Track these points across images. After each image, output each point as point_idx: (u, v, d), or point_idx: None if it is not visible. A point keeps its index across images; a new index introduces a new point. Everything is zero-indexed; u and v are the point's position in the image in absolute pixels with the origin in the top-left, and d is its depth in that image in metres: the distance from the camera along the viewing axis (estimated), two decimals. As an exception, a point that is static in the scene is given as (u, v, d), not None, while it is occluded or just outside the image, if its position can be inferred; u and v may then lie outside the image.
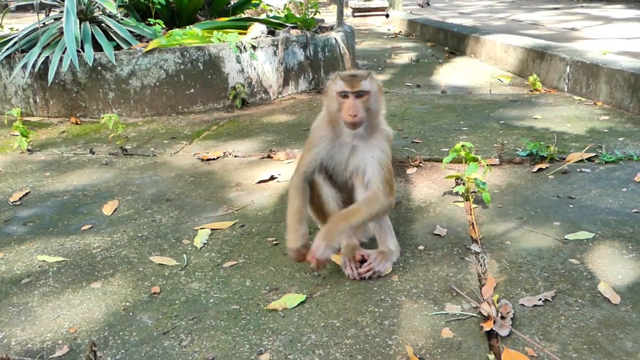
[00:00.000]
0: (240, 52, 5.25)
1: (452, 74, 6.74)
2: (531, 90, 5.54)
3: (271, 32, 5.99)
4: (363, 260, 2.31)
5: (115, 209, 3.12)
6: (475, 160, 2.91)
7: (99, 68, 5.01)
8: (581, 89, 5.13)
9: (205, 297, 2.19)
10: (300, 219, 2.31)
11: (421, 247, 2.50)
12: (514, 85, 5.94)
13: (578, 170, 3.34)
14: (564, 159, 3.50)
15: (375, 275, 2.27)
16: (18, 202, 3.26)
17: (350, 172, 2.39)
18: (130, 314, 2.11)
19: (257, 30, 5.75)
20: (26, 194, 3.39)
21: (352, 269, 2.28)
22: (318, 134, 2.38)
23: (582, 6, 14.45)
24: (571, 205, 2.88)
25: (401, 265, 2.35)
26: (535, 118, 4.51)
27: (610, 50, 5.55)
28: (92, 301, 2.20)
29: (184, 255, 2.55)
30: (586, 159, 3.48)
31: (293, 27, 6.18)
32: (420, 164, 3.56)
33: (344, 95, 2.23)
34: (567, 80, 5.35)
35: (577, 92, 5.20)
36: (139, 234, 2.79)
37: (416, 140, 4.02)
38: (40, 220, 3.01)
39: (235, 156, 3.94)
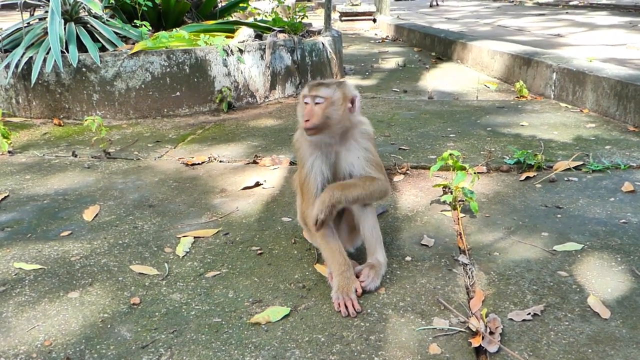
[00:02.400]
0: (227, 55, 5.20)
1: (439, 79, 6.73)
2: (518, 97, 5.54)
3: (258, 36, 5.95)
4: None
5: (96, 215, 3.04)
6: (463, 169, 2.88)
7: (84, 69, 4.93)
8: (567, 96, 5.13)
9: (187, 309, 2.13)
10: (344, 255, 2.24)
11: (408, 258, 2.46)
12: (500, 91, 5.94)
13: (565, 179, 3.32)
14: (551, 167, 3.48)
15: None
16: (-4, 207, 3.18)
17: (339, 177, 2.35)
18: (109, 326, 2.04)
19: (244, 33, 5.70)
20: (5, 197, 3.31)
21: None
22: (305, 145, 2.32)
23: (567, 12, 14.55)
24: (559, 215, 2.85)
25: (388, 277, 2.30)
26: (522, 125, 4.49)
27: (596, 57, 5.56)
28: (69, 312, 2.13)
29: (166, 264, 2.48)
30: (573, 168, 3.46)
31: (280, 31, 6.13)
32: (407, 172, 3.52)
33: (305, 101, 2.23)
34: (553, 87, 5.35)
35: (563, 99, 5.20)
36: (120, 241, 2.72)
37: (403, 147, 3.99)
38: (18, 226, 2.93)
39: (221, 161, 3.88)
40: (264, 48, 5.50)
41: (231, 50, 5.22)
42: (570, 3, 17.49)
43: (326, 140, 2.27)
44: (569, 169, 3.45)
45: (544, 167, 3.49)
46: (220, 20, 6.49)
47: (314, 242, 2.47)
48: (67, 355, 1.86)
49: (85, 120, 4.02)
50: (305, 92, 2.24)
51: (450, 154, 2.93)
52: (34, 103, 5.10)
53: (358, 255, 2.45)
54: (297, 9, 7.09)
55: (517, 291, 2.18)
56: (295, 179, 2.61)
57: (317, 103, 2.20)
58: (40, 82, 4.98)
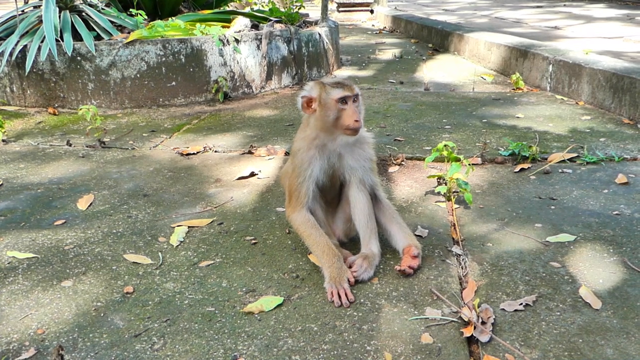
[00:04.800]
0: (224, 45, 5.18)
1: (435, 71, 6.72)
2: (514, 89, 5.54)
3: (255, 26, 5.92)
4: (348, 267, 2.26)
5: (91, 204, 3.04)
6: (457, 160, 2.88)
7: (79, 58, 4.91)
8: (563, 88, 5.13)
9: (180, 298, 2.13)
10: (333, 247, 2.25)
11: (402, 248, 2.46)
12: (496, 83, 5.93)
13: (560, 170, 3.33)
14: (546, 159, 3.49)
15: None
16: (-10, 196, 3.17)
17: (339, 178, 2.40)
18: (102, 314, 2.04)
19: (240, 23, 5.67)
20: (-1, 186, 3.31)
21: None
22: (306, 157, 2.32)
23: (564, 5, 14.52)
24: (553, 207, 2.86)
25: (381, 267, 2.31)
26: (518, 117, 4.50)
27: (592, 50, 5.55)
28: (62, 300, 2.13)
29: (160, 253, 2.48)
30: (568, 160, 3.47)
31: (277, 22, 6.11)
32: (403, 163, 3.52)
33: (343, 101, 2.21)
34: (549, 79, 5.35)
35: (559, 92, 5.20)
36: (114, 231, 2.72)
37: (399, 138, 3.99)
38: (12, 214, 2.93)
39: (216, 151, 3.87)
40: (261, 38, 5.48)
41: (227, 40, 5.20)
42: (568, -5, 17.45)
43: (351, 140, 2.33)
44: (563, 161, 3.45)
45: (539, 158, 3.49)
46: (216, 10, 6.45)
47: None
48: (60, 344, 1.86)
49: (80, 109, 4.01)
50: (343, 93, 2.21)
51: (445, 145, 2.93)
52: (28, 92, 5.08)
53: (352, 246, 2.46)
54: (294, -1, 7.06)
55: (509, 282, 2.19)
56: (283, 176, 2.62)
57: (354, 101, 2.24)
58: (34, 70, 4.96)
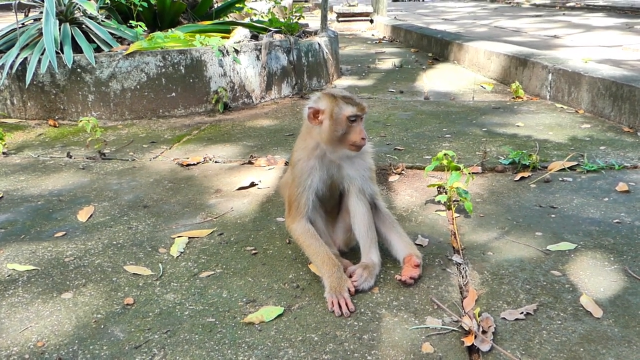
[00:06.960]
0: (223, 56, 5.20)
1: (435, 80, 6.73)
2: (513, 98, 5.55)
3: (254, 37, 5.95)
4: (349, 276, 2.26)
5: (91, 215, 3.04)
6: (457, 169, 2.88)
7: (79, 70, 4.93)
8: (563, 97, 5.14)
9: (180, 309, 2.13)
10: (333, 257, 2.25)
11: (402, 258, 2.46)
12: (496, 92, 5.94)
13: (560, 179, 3.33)
14: (546, 167, 3.49)
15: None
16: (-10, 208, 3.18)
17: (338, 187, 2.41)
18: (102, 326, 2.03)
19: (240, 34, 5.70)
20: (-1, 198, 3.31)
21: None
22: (306, 167, 2.33)
23: (563, 14, 14.58)
24: (553, 215, 2.86)
25: (382, 276, 2.31)
26: (518, 125, 4.50)
27: (591, 58, 5.57)
28: (62, 313, 2.13)
29: (160, 264, 2.48)
30: (568, 168, 3.47)
31: (277, 32, 6.14)
32: (403, 172, 3.52)
33: (353, 119, 2.23)
34: (549, 88, 5.36)
35: (559, 100, 5.21)
36: (114, 242, 2.72)
37: (399, 147, 3.99)
38: (12, 227, 2.92)
39: (216, 162, 3.88)
40: (260, 48, 5.50)
41: (227, 51, 5.22)
42: (567, 4, 17.54)
43: (352, 155, 2.34)
44: (563, 169, 3.45)
45: (539, 167, 3.49)
46: (216, 21, 6.48)
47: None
48: (60, 356, 1.86)
49: (80, 121, 4.02)
50: (355, 111, 2.22)
51: (445, 154, 2.94)
52: (28, 104, 5.10)
53: (352, 255, 2.45)
54: (293, 10, 7.09)
55: (510, 290, 2.18)
56: (282, 186, 2.63)
57: (361, 118, 2.28)
58: (35, 83, 4.98)
